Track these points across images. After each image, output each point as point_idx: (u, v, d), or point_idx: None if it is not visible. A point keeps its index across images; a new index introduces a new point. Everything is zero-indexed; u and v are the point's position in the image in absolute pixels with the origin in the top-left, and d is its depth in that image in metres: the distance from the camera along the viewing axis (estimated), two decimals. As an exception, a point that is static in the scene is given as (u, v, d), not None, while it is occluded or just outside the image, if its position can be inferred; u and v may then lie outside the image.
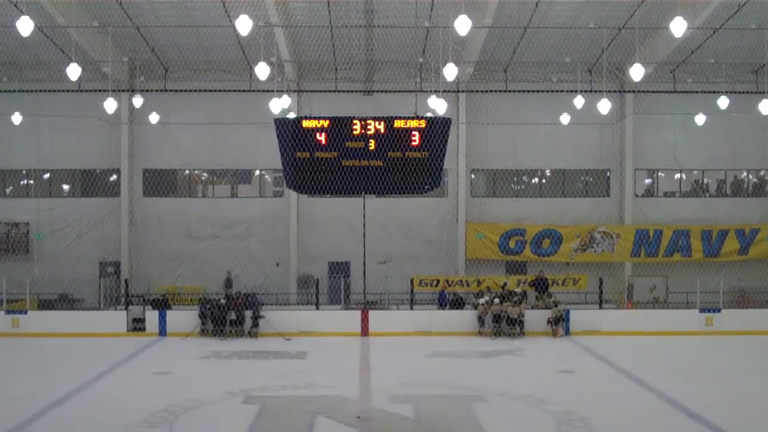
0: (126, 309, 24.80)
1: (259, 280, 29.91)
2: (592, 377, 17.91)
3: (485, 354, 20.89)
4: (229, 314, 23.78)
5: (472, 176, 32.44)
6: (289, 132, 22.51)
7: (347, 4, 25.19)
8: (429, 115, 24.63)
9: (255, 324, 23.64)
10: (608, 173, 32.41)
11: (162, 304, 25.61)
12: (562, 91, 28.12)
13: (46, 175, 32.21)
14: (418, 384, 16.66)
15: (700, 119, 28.30)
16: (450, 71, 21.26)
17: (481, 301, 24.51)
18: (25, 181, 32.33)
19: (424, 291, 28.55)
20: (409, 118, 22.69)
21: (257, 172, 32.59)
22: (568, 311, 24.53)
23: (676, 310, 26.55)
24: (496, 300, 24.15)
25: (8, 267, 29.01)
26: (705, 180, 32.86)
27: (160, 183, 31.96)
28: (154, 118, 29.14)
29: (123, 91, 29.68)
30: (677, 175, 32.74)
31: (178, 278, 30.69)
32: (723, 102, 26.09)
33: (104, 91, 25.41)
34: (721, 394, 15.66)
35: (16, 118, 28.52)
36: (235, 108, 30.20)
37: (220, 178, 32.65)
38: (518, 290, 25.88)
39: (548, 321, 24.14)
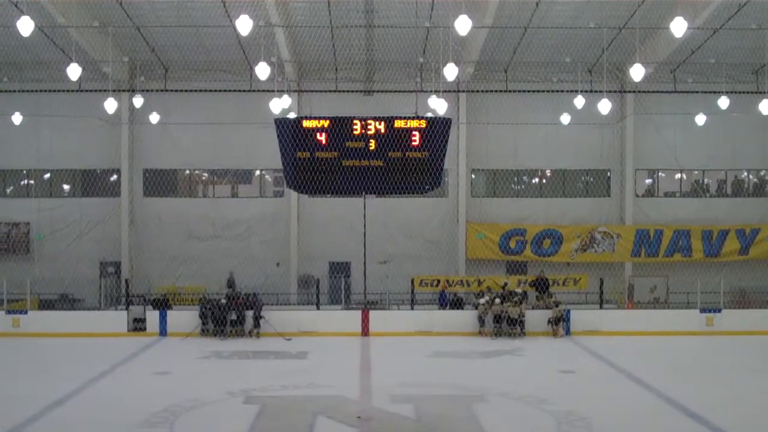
0: (126, 309, 24.81)
1: (260, 280, 29.87)
2: (593, 377, 17.92)
3: (486, 354, 20.90)
4: (229, 314, 23.79)
5: (473, 176, 32.44)
6: (290, 132, 22.51)
7: (347, 4, 25.18)
8: (429, 115, 24.62)
9: (256, 324, 23.64)
10: (609, 173, 32.40)
11: (162, 304, 25.60)
12: (562, 91, 28.12)
13: (47, 175, 32.22)
14: (419, 384, 16.67)
15: (700, 119, 28.29)
16: (450, 71, 21.26)
17: (482, 301, 24.51)
18: (26, 181, 32.33)
19: (424, 291, 28.56)
20: (409, 118, 22.68)
21: (258, 172, 32.59)
22: (568, 311, 24.54)
23: (677, 310, 26.57)
24: (497, 300, 24.16)
25: (9, 267, 29.01)
26: (705, 180, 32.85)
27: (161, 183, 31.96)
28: (154, 118, 29.15)
29: (123, 91, 29.69)
30: (678, 175, 32.73)
31: (179, 278, 30.69)
32: (723, 102, 26.10)
33: (104, 91, 25.42)
34: (722, 395, 15.66)
35: (17, 118, 28.52)
36: (236, 108, 30.20)
37: (220, 178, 32.64)
38: (519, 290, 25.90)
39: (549, 321, 24.15)
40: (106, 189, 32.09)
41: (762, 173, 32.98)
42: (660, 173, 32.89)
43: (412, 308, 26.30)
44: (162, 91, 28.56)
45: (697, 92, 28.95)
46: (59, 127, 30.53)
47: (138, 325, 24.23)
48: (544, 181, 32.79)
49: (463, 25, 17.71)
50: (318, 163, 22.53)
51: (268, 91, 25.21)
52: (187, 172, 32.57)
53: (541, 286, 26.97)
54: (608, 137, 31.67)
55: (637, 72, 21.25)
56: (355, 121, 22.53)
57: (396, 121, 22.57)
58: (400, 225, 31.50)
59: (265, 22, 23.73)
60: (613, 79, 30.28)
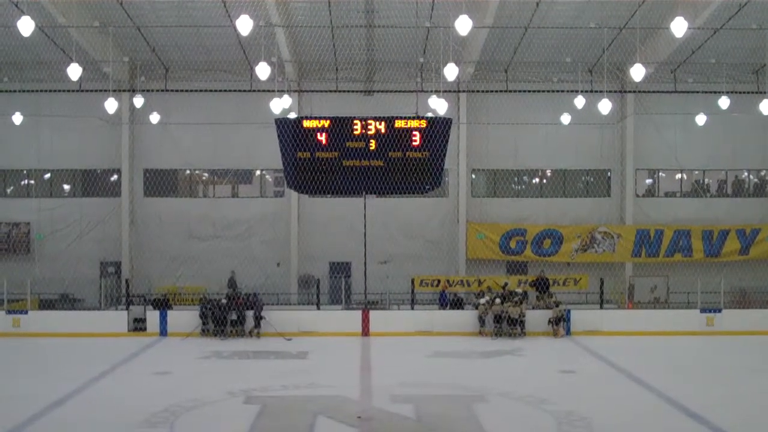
0: (127, 309, 24.82)
1: (260, 280, 29.88)
2: (593, 377, 17.92)
3: (486, 354, 20.90)
4: (230, 314, 23.79)
5: (473, 176, 32.43)
6: (290, 132, 22.53)
7: (348, 4, 25.18)
8: (430, 115, 24.64)
9: (257, 324, 23.64)
10: (609, 173, 32.39)
11: (163, 304, 25.60)
12: (562, 91, 28.12)
13: (47, 175, 32.22)
14: (419, 384, 16.67)
15: (700, 119, 28.28)
16: (451, 71, 21.24)
17: (482, 301, 24.51)
18: (26, 181, 32.33)
19: (424, 291, 28.57)
20: (409, 118, 22.71)
21: (258, 172, 32.59)
22: (569, 311, 24.54)
23: (677, 310, 26.59)
24: (497, 300, 24.15)
25: (9, 267, 29.01)
26: (706, 180, 32.84)
27: (161, 183, 31.97)
28: (154, 118, 29.15)
29: (124, 91, 29.70)
30: (678, 175, 32.72)
31: (179, 278, 30.69)
32: (724, 102, 26.10)
33: (105, 91, 25.43)
34: (722, 395, 15.66)
35: (17, 118, 28.53)
36: (236, 108, 30.20)
37: (220, 178, 32.65)
38: (519, 290, 25.90)
39: (549, 321, 24.15)
40: (106, 189, 32.09)
41: (762, 173, 32.97)
42: (660, 173, 32.89)
43: (413, 308, 26.31)
44: (162, 91, 28.56)
45: (697, 92, 28.95)
46: (60, 127, 30.53)
47: (138, 325, 24.24)
48: (544, 181, 32.78)
49: (463, 25, 17.70)
50: (318, 163, 22.56)
51: (269, 91, 25.21)
52: (188, 172, 32.58)
53: (542, 286, 26.97)
54: (608, 137, 31.66)
55: (637, 72, 21.25)
56: (355, 121, 22.57)
57: (396, 121, 22.61)
58: (401, 225, 31.50)
59: (265, 22, 23.72)
60: (614, 79, 30.28)
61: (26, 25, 17.52)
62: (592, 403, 14.72)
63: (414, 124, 22.62)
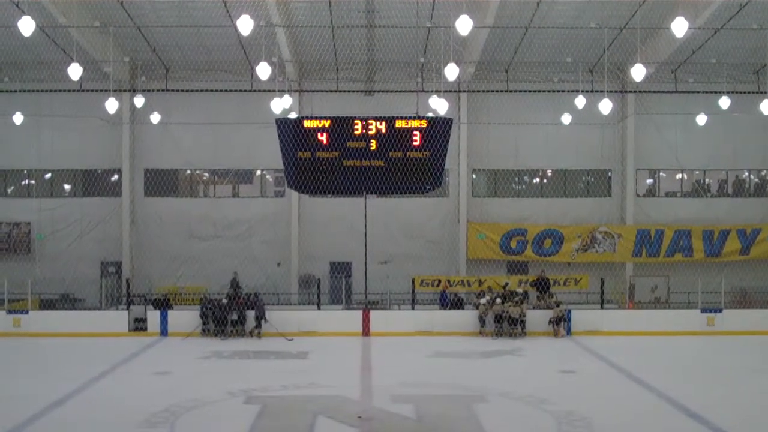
0: (127, 309, 24.83)
1: (261, 280, 29.92)
2: (593, 377, 17.92)
3: (486, 354, 20.90)
4: (230, 314, 23.79)
5: (474, 176, 32.42)
6: (291, 132, 22.56)
7: (348, 4, 25.18)
8: (430, 115, 24.67)
9: (258, 324, 23.63)
10: (609, 173, 32.38)
11: (163, 304, 25.59)
12: (563, 91, 28.10)
13: (48, 175, 32.22)
14: (419, 384, 16.67)
15: (701, 119, 28.29)
16: (451, 71, 21.24)
17: (483, 301, 24.51)
18: (27, 181, 32.33)
19: (425, 291, 28.57)
20: (410, 118, 22.73)
21: (258, 172, 32.59)
22: (569, 311, 24.54)
23: (678, 310, 26.62)
24: (498, 300, 24.15)
25: (10, 267, 29.03)
26: (706, 180, 32.82)
27: (162, 183, 31.97)
28: (155, 117, 29.15)
29: (124, 91, 29.71)
30: (678, 175, 32.71)
31: (180, 278, 30.68)
32: (724, 102, 26.12)
33: (105, 91, 25.44)
34: (722, 395, 15.67)
35: (18, 118, 28.54)
36: (237, 108, 30.20)
37: (221, 178, 32.66)
38: (519, 290, 25.89)
39: (550, 321, 24.15)
40: (107, 189, 32.09)
41: (763, 173, 32.95)
42: (661, 173, 32.88)
43: (413, 308, 26.31)
44: (163, 91, 28.56)
45: (698, 92, 28.95)
46: (60, 127, 30.53)
47: (139, 325, 24.25)
48: (545, 181, 32.77)
49: (464, 25, 17.69)
50: (319, 163, 22.58)
51: (269, 91, 25.23)
52: (188, 172, 32.58)
53: (542, 286, 26.97)
54: (609, 137, 31.65)
55: (638, 72, 21.25)
56: (356, 121, 22.59)
57: (397, 121, 22.63)
58: (401, 225, 31.50)
59: (266, 22, 23.73)
60: (614, 79, 30.26)
61: (27, 25, 17.54)
62: (592, 403, 14.72)
63: (414, 124, 22.65)
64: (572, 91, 26.67)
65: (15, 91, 29.14)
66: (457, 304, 26.74)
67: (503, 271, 31.24)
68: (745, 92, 27.66)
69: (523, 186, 32.83)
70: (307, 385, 16.48)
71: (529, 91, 29.15)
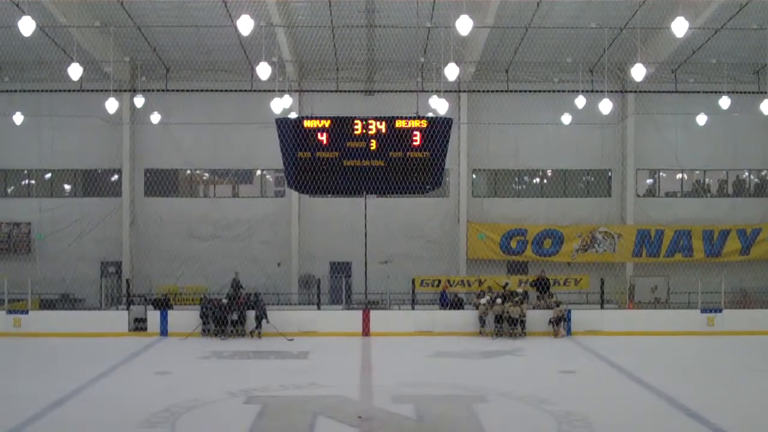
0: (127, 309, 24.84)
1: (261, 280, 29.93)
2: (593, 377, 17.92)
3: (486, 354, 20.90)
4: (230, 314, 23.79)
5: (474, 176, 32.42)
6: (291, 132, 22.56)
7: (349, 4, 25.17)
8: (430, 115, 24.67)
9: (258, 324, 23.62)
10: (610, 173, 32.39)
11: (163, 304, 25.59)
12: (563, 91, 28.10)
13: (48, 175, 32.23)
14: (419, 384, 16.67)
15: (701, 119, 28.30)
16: (451, 71, 21.23)
17: (483, 301, 24.51)
18: (27, 181, 32.34)
19: (425, 291, 28.59)
20: (410, 118, 22.73)
21: (258, 172, 32.59)
22: (569, 311, 24.54)
23: (678, 310, 26.62)
24: (498, 300, 24.15)
25: (10, 267, 29.05)
26: (706, 180, 32.83)
27: (162, 183, 31.98)
28: (155, 117, 29.18)
29: (124, 91, 29.72)
30: (679, 175, 32.71)
31: (180, 278, 30.67)
32: (724, 102, 26.13)
33: (106, 91, 25.43)
34: (722, 395, 15.67)
35: (18, 118, 28.56)
36: (237, 108, 30.20)
37: (221, 178, 32.66)
38: (519, 290, 25.88)
39: (550, 321, 24.15)
40: (107, 189, 32.10)
41: (763, 173, 32.95)
42: (661, 173, 32.89)
43: (413, 308, 26.32)
44: (163, 91, 28.56)
45: (698, 92, 28.95)
46: (60, 127, 30.53)
47: (139, 325, 24.25)
48: (545, 181, 32.78)
49: (464, 25, 17.69)
50: (319, 163, 22.59)
51: (269, 91, 25.24)
52: (188, 172, 32.59)
53: (542, 286, 26.97)
54: (609, 137, 31.65)
55: (638, 72, 21.25)
56: (356, 121, 22.59)
57: (397, 121, 22.64)
58: (401, 225, 31.50)
59: (266, 22, 23.73)
60: (614, 79, 30.27)
61: (27, 25, 17.56)
62: (592, 403, 14.72)
63: (415, 124, 22.65)
64: (572, 91, 26.68)
65: (15, 91, 29.15)
66: (457, 304, 26.74)
67: (503, 271, 31.24)
68: (745, 92, 27.66)
69: (523, 186, 32.84)
70: (307, 385, 16.47)
71: (529, 91, 29.15)
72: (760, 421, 13.79)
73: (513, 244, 31.49)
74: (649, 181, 32.94)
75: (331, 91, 28.08)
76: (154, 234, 31.67)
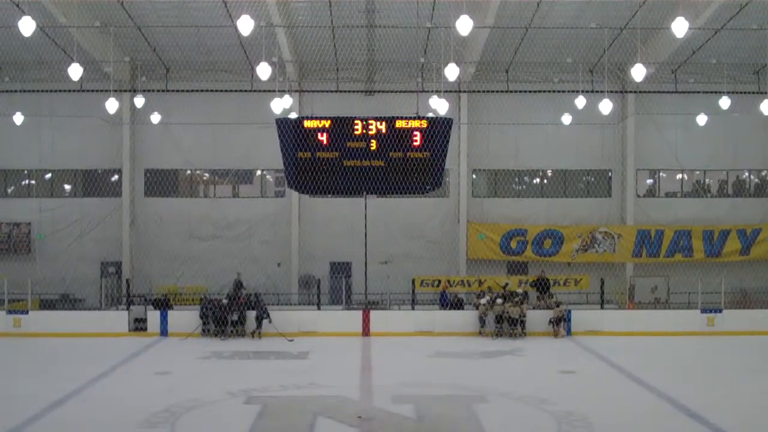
0: (127, 309, 24.83)
1: (261, 280, 29.95)
2: (593, 377, 17.92)
3: (486, 354, 20.90)
4: (230, 314, 23.79)
5: (474, 176, 32.43)
6: (291, 132, 22.56)
7: (349, 5, 25.18)
8: (430, 115, 24.67)
9: (259, 325, 23.62)
10: (610, 173, 32.39)
11: (163, 304, 25.59)
12: (563, 92, 28.10)
13: (48, 175, 32.23)
14: (420, 384, 16.67)
15: (701, 119, 28.31)
16: (451, 71, 21.24)
17: (483, 301, 24.50)
18: (27, 181, 32.35)
19: (425, 291, 28.59)
20: (410, 118, 22.73)
21: (259, 172, 32.60)
22: (569, 311, 24.53)
23: (678, 310, 26.61)
24: (498, 300, 24.14)
25: (10, 267, 29.05)
26: (706, 180, 32.83)
27: (162, 183, 31.98)
28: (155, 118, 29.19)
29: (124, 91, 29.73)
30: (679, 176, 32.72)
31: (180, 278, 30.69)
32: (724, 102, 26.14)
33: (106, 91, 25.44)
34: (722, 395, 15.67)
35: (18, 118, 28.56)
36: (237, 108, 30.21)
37: (221, 178, 32.67)
38: (520, 290, 25.89)
39: (550, 321, 24.14)
40: (107, 189, 32.10)
41: (763, 173, 32.95)
42: (661, 173, 32.90)
43: (413, 308, 26.32)
44: (163, 91, 28.56)
45: (698, 92, 28.94)
46: (60, 127, 30.53)
47: (139, 325, 24.24)
48: (545, 181, 32.78)
49: (464, 25, 17.68)
50: (319, 163, 22.59)
51: (269, 91, 25.24)
52: (188, 172, 32.59)
53: (542, 286, 26.97)
54: (609, 137, 31.66)
55: (638, 72, 21.25)
56: (356, 122, 22.60)
57: (397, 121, 22.64)
58: (401, 225, 31.50)
59: (266, 23, 23.73)
60: (615, 80, 30.28)
61: (27, 25, 17.56)
62: (592, 403, 14.72)
63: (415, 124, 22.66)
64: (572, 92, 26.68)
65: (15, 91, 29.16)
66: (457, 304, 26.74)
67: (503, 272, 31.24)
68: (745, 92, 27.66)
69: (523, 186, 32.84)
70: (307, 385, 16.47)
71: (530, 92, 29.15)
72: (760, 421, 13.79)
73: (513, 244, 31.49)
74: (649, 181, 32.95)
75: (331, 92, 28.08)
76: (154, 234, 31.68)
